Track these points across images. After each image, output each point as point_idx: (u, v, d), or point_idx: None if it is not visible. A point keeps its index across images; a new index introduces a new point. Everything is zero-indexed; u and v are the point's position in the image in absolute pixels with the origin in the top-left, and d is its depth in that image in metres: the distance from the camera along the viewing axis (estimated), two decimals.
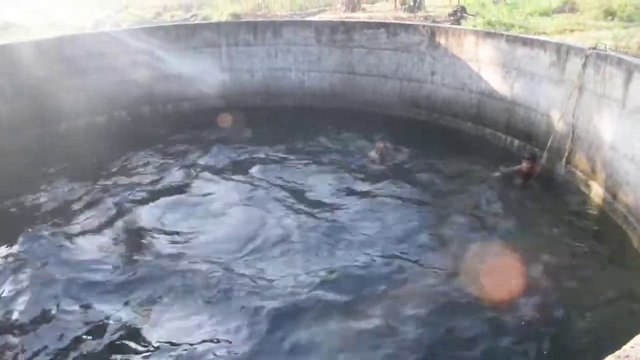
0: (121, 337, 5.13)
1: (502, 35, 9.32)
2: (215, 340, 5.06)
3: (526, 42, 8.80)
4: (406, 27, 10.76)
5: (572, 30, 11.19)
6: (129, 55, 10.57)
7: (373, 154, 9.11)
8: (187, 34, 11.17)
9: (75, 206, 7.63)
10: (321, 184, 8.29)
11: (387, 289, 5.74)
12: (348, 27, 11.28)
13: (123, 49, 10.44)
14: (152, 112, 11.13)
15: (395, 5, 15.90)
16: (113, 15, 14.58)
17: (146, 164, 9.07)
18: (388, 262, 6.23)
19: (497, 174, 8.22)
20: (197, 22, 13.21)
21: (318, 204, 7.65)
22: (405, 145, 9.49)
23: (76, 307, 5.52)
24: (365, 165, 8.95)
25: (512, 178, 8.15)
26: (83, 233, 6.91)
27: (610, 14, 13.28)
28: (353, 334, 5.08)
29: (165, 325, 5.28)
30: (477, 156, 9.09)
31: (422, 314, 5.32)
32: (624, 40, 8.38)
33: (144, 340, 5.10)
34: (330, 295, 5.59)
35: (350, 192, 8.04)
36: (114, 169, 8.87)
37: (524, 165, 8.06)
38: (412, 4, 15.37)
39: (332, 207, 7.55)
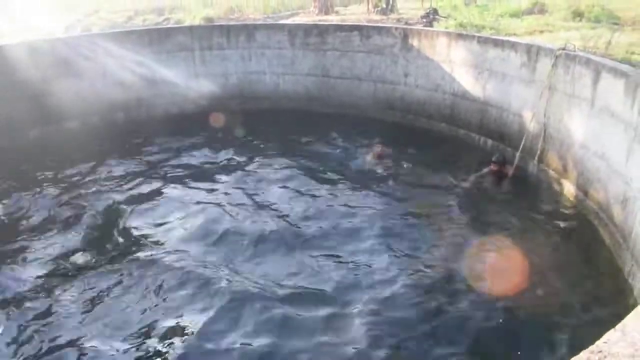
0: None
1: (473, 36, 9.43)
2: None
3: (497, 44, 8.92)
4: (379, 30, 10.83)
5: (541, 31, 11.33)
6: (100, 60, 10.42)
7: (370, 157, 9.11)
8: (159, 38, 11.07)
9: (38, 216, 7.48)
10: (299, 188, 8.28)
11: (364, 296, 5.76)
12: (321, 30, 11.31)
13: (94, 54, 10.29)
14: (126, 117, 10.99)
15: (368, 8, 15.93)
16: (83, 20, 14.34)
17: (116, 170, 8.94)
18: (359, 266, 6.26)
19: (465, 184, 8.30)
20: (169, 26, 13.08)
21: (298, 209, 7.65)
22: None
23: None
24: (344, 165, 9.02)
25: (482, 181, 8.27)
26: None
27: (578, 14, 13.49)
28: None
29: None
30: (451, 157, 9.20)
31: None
32: (592, 41, 8.51)
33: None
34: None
35: (327, 194, 8.06)
36: (83, 176, 8.71)
37: (492, 168, 8.20)
38: (384, 6, 15.41)
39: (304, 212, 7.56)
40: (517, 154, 8.39)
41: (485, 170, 8.33)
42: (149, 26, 12.99)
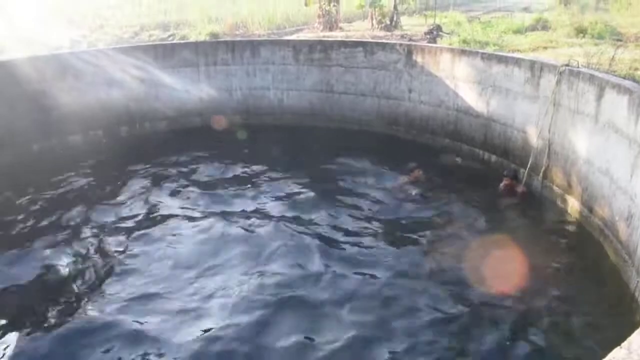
0: None
1: (477, 52, 9.47)
2: None
3: (501, 60, 8.95)
4: (383, 46, 10.89)
5: (545, 48, 11.39)
6: (105, 75, 10.48)
7: (406, 180, 8.80)
8: (165, 54, 11.15)
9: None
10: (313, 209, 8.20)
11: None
12: (326, 46, 11.38)
13: (99, 68, 10.37)
14: (129, 132, 11.03)
15: (372, 24, 16.05)
16: (88, 35, 14.47)
17: (121, 184, 8.93)
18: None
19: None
20: (175, 41, 13.18)
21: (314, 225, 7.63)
22: (386, 163, 9.59)
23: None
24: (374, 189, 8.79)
25: (496, 196, 8.30)
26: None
27: (581, 31, 13.56)
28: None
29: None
30: (456, 173, 9.21)
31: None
32: (595, 57, 8.54)
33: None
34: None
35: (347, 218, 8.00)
36: (83, 191, 8.66)
37: (505, 182, 8.24)
38: (388, 22, 15.53)
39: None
40: (525, 171, 8.39)
41: (500, 186, 8.34)
42: (155, 42, 13.09)
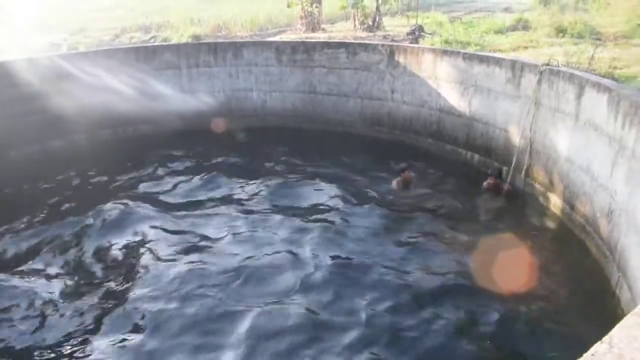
0: None
1: (459, 53, 9.53)
2: None
3: (482, 60, 9.02)
4: (365, 47, 10.92)
5: (525, 47, 11.48)
6: (87, 78, 10.36)
7: (395, 183, 8.74)
8: (147, 56, 11.08)
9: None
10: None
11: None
12: (308, 47, 11.38)
13: (81, 72, 10.25)
14: (112, 135, 10.94)
15: (355, 25, 16.07)
16: (69, 38, 14.31)
17: (103, 186, 8.86)
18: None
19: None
20: (157, 44, 13.09)
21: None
22: (368, 164, 9.60)
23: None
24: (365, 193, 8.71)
25: (480, 195, 8.39)
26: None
27: (561, 31, 13.71)
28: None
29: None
30: (439, 172, 9.25)
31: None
32: (575, 56, 8.63)
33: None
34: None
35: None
36: (66, 198, 8.52)
37: (489, 181, 8.29)
38: (371, 23, 15.56)
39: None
40: (508, 169, 8.47)
41: (484, 185, 8.39)
42: (136, 44, 12.99)
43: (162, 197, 8.52)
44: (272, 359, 4.95)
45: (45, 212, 8.01)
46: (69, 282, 6.25)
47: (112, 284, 6.24)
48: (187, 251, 6.85)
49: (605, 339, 1.98)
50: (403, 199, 8.38)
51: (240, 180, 9.10)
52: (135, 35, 15.34)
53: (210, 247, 6.99)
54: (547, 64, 7.71)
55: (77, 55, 10.68)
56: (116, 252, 6.90)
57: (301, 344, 5.12)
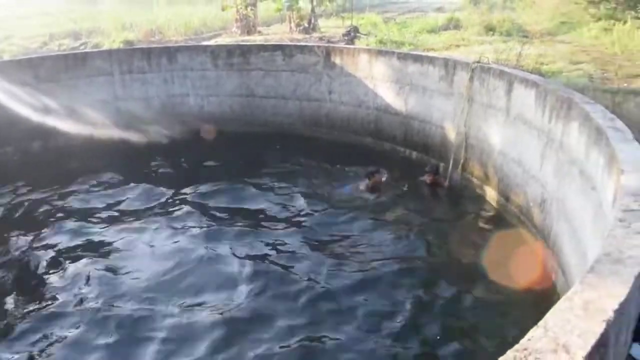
0: None
1: (393, 52, 9.69)
2: None
3: (416, 59, 9.20)
4: (302, 48, 10.94)
5: (457, 46, 11.84)
6: (12, 88, 9.90)
7: (363, 186, 8.50)
8: (76, 64, 10.69)
9: None
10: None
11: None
12: (244, 51, 11.30)
13: (5, 82, 9.79)
14: (42, 147, 10.48)
15: (290, 27, 16.13)
16: None
17: (33, 204, 8.48)
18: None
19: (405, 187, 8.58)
20: (87, 50, 12.71)
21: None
22: (310, 164, 9.61)
23: None
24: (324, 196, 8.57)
25: (418, 189, 8.54)
26: None
27: (490, 29, 14.22)
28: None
29: None
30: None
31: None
32: (504, 53, 9.00)
33: None
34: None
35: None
36: None
37: (427, 178, 8.46)
38: (306, 25, 15.67)
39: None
40: (446, 164, 8.68)
41: (423, 179, 8.56)
42: (65, 51, 12.55)
43: (90, 210, 8.20)
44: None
45: None
46: None
47: (19, 298, 6.00)
48: (108, 262, 6.64)
49: (541, 323, 2.05)
50: (352, 201, 8.41)
51: (175, 189, 8.80)
52: (64, 42, 14.86)
53: (133, 258, 6.78)
54: (478, 62, 7.95)
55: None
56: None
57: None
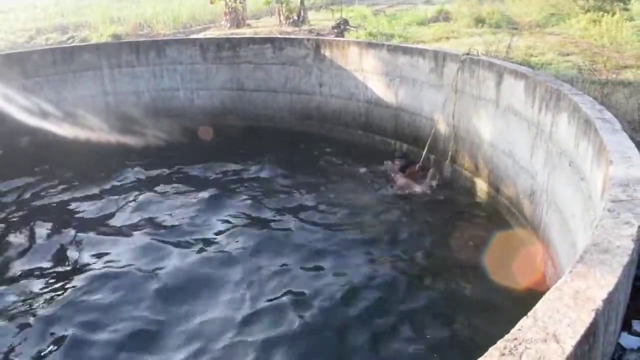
0: None
1: (383, 45, 9.68)
2: None
3: (406, 51, 9.19)
4: (291, 41, 10.90)
5: (447, 38, 11.85)
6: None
7: (398, 177, 8.64)
8: (64, 58, 10.60)
9: None
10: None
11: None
12: (234, 44, 11.24)
13: None
14: (31, 142, 10.39)
15: (280, 20, 16.07)
16: None
17: (22, 199, 8.42)
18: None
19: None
20: (74, 44, 12.59)
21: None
22: (297, 158, 9.63)
23: None
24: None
25: (391, 177, 8.66)
26: None
27: (480, 21, 14.23)
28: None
29: None
30: (368, 163, 9.35)
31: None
32: (494, 45, 9.01)
33: None
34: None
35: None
36: None
37: (395, 163, 8.74)
38: (296, 18, 15.62)
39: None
40: (436, 156, 8.70)
41: (388, 165, 8.67)
42: (52, 45, 12.43)
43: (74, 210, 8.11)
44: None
45: None
46: None
47: None
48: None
49: (530, 313, 2.07)
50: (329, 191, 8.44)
51: (170, 189, 8.75)
52: (51, 36, 14.72)
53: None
54: (468, 54, 7.96)
55: None
56: None
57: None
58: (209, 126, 10.99)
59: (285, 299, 5.68)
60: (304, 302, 5.63)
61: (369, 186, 8.58)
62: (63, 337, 5.16)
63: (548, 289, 2.27)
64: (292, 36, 11.63)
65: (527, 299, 5.22)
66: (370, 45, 9.90)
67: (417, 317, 5.43)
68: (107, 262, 6.48)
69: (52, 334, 5.25)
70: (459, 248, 6.69)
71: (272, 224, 7.42)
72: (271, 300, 5.68)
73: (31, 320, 5.47)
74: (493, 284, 5.93)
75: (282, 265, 6.37)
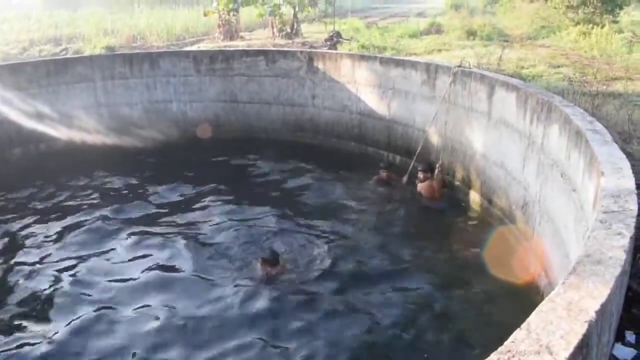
0: None
1: (376, 57, 9.74)
2: None
3: (399, 63, 9.25)
4: (284, 54, 10.95)
5: (439, 50, 11.95)
6: None
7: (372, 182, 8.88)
8: (57, 70, 10.58)
9: None
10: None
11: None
12: (227, 56, 11.28)
13: None
14: (23, 153, 10.34)
15: (273, 33, 16.16)
16: None
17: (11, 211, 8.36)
18: None
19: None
20: (68, 56, 12.59)
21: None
22: (292, 169, 9.62)
23: None
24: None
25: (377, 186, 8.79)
26: None
27: (471, 34, 14.36)
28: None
29: None
30: (360, 174, 9.35)
31: None
32: (485, 57, 9.09)
33: None
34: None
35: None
36: None
37: (383, 174, 8.76)
38: (289, 30, 15.71)
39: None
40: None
41: (375, 178, 8.76)
42: (46, 57, 12.43)
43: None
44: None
45: None
46: None
47: None
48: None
49: (524, 325, 2.07)
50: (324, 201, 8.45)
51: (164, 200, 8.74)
52: (44, 47, 14.71)
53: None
54: (460, 66, 8.02)
55: None
56: None
57: None
58: (202, 138, 11.00)
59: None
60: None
61: (358, 193, 8.60)
62: None
63: (541, 299, 2.27)
64: (285, 48, 11.69)
65: (519, 310, 5.24)
66: (362, 57, 9.96)
67: (406, 325, 5.42)
68: None
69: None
70: (451, 258, 6.69)
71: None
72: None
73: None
74: (486, 294, 5.94)
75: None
